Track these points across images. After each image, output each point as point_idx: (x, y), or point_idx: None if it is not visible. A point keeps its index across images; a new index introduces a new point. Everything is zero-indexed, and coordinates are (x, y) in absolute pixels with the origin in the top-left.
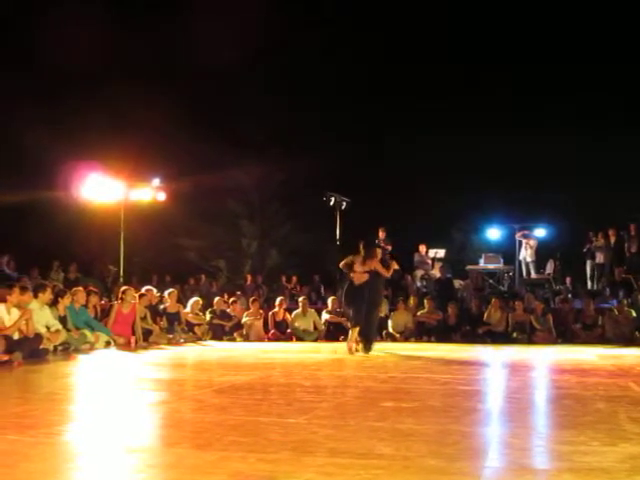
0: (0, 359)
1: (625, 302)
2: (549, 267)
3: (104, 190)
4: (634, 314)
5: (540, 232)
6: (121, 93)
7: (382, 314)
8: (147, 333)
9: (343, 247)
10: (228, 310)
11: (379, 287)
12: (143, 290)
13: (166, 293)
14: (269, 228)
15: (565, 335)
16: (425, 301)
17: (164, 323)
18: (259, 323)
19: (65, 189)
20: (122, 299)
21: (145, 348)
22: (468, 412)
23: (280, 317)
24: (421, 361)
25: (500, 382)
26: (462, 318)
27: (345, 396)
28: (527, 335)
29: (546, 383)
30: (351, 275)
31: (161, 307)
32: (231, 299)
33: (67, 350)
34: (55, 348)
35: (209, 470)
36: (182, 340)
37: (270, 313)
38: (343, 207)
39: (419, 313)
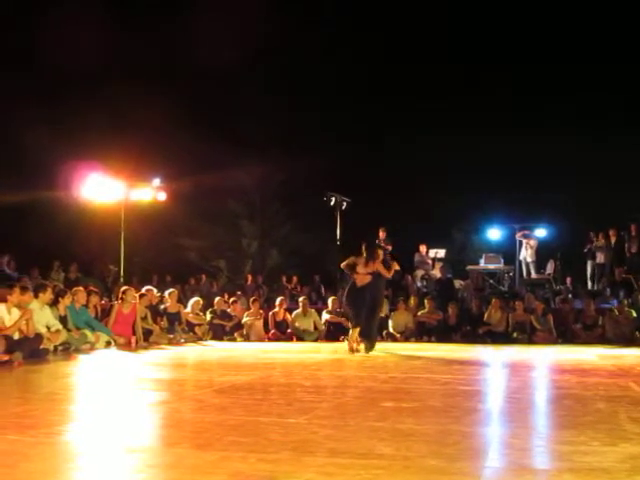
0: (0, 359)
1: (625, 302)
2: (549, 267)
3: (104, 190)
4: (634, 314)
5: (540, 232)
6: (121, 93)
7: (382, 314)
8: (147, 333)
9: (343, 247)
10: (228, 310)
11: (381, 288)
12: (143, 290)
13: (166, 293)
14: (269, 228)
15: (565, 335)
16: (425, 301)
17: (164, 323)
18: (259, 323)
19: (65, 189)
20: (122, 299)
21: (145, 348)
22: (468, 412)
23: (280, 317)
24: (421, 361)
25: (500, 382)
26: (462, 318)
27: (345, 396)
28: (527, 335)
29: (546, 383)
30: (354, 276)
31: (161, 307)
32: (231, 299)
33: (67, 350)
34: (55, 348)
35: (209, 470)
36: (182, 340)
37: (270, 313)
38: (343, 207)
39: (419, 313)
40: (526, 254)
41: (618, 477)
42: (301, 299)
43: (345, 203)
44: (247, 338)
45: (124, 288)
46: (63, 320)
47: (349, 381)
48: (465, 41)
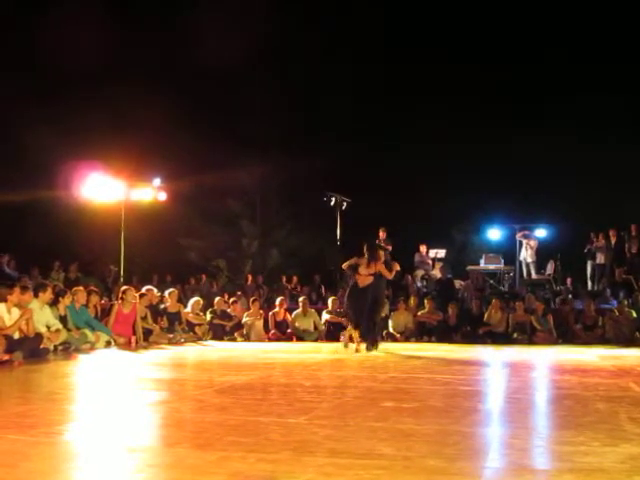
0: (1, 359)
1: (626, 303)
2: (549, 268)
3: (105, 190)
4: (635, 315)
5: (540, 232)
6: (121, 93)
7: (383, 314)
8: (147, 333)
9: (344, 247)
10: (228, 310)
11: (383, 288)
12: (144, 290)
13: (166, 293)
14: (270, 228)
15: (566, 336)
16: (425, 301)
17: (165, 323)
18: (259, 323)
19: (66, 189)
20: (123, 299)
21: (145, 348)
22: (469, 412)
23: (280, 317)
24: (421, 361)
25: (500, 382)
26: (462, 318)
27: (345, 396)
28: (527, 336)
29: (546, 384)
30: (356, 277)
31: (162, 307)
32: (231, 299)
33: (67, 350)
34: (55, 348)
35: (209, 470)
36: (182, 340)
37: (270, 313)
38: (343, 207)
39: (419, 313)
40: (526, 254)
41: (618, 477)
42: (301, 299)
43: (345, 203)
44: (247, 338)
45: (124, 288)
46: (63, 320)
47: (349, 381)
48: (465, 41)
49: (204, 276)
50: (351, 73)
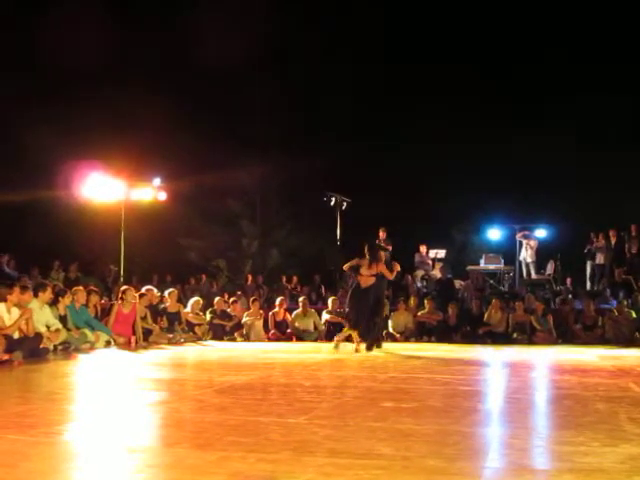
0: (0, 358)
1: (625, 303)
2: (549, 268)
3: (105, 189)
4: (634, 315)
5: (540, 233)
6: (121, 93)
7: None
8: (147, 333)
9: (344, 247)
10: (228, 310)
11: (384, 289)
12: (143, 290)
13: (166, 293)
14: (270, 228)
15: (565, 336)
16: (425, 301)
17: (164, 323)
18: (259, 323)
19: (66, 188)
20: (122, 299)
21: (145, 348)
22: (468, 412)
23: (280, 317)
24: (421, 361)
25: (500, 382)
26: (462, 318)
27: (345, 396)
28: (527, 336)
29: (546, 384)
30: (357, 278)
31: (161, 307)
32: (231, 299)
33: (67, 349)
34: (55, 347)
35: (209, 470)
36: (182, 340)
37: (270, 313)
38: (343, 207)
39: (419, 313)
40: (526, 254)
41: (618, 478)
42: (301, 299)
43: (345, 203)
44: (247, 338)
45: (124, 288)
46: (63, 319)
47: (349, 381)
48: (465, 41)
49: (204, 276)
50: (351, 73)
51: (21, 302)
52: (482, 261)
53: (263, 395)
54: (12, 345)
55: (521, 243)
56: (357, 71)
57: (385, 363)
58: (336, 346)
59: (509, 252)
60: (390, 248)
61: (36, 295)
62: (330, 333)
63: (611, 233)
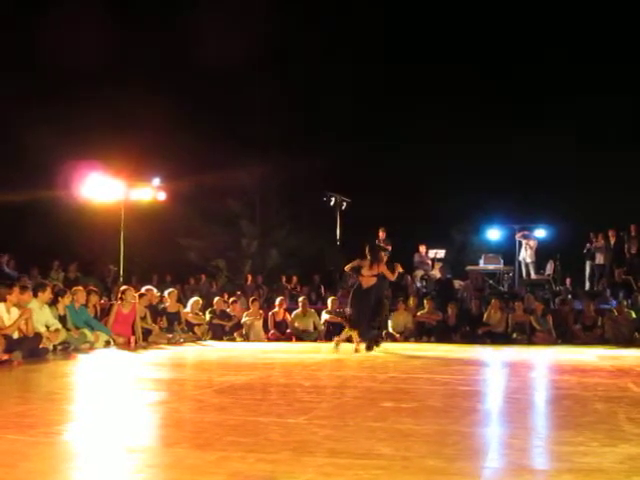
0: (0, 358)
1: (625, 303)
2: (549, 268)
3: (104, 189)
4: (634, 315)
5: (540, 233)
6: (121, 93)
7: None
8: (147, 333)
9: (343, 247)
10: (228, 310)
11: (385, 289)
12: (143, 290)
13: (166, 293)
14: (269, 228)
15: (565, 336)
16: (425, 301)
17: (164, 323)
18: (259, 323)
19: (65, 188)
20: (122, 299)
21: (145, 348)
22: (468, 412)
23: (280, 317)
24: (421, 361)
25: (500, 383)
26: (462, 318)
27: (345, 396)
28: (527, 336)
29: (546, 384)
30: (359, 279)
31: (161, 307)
32: (231, 299)
33: (67, 349)
34: (55, 347)
35: (209, 470)
36: (182, 340)
37: (270, 313)
38: (343, 207)
39: (419, 313)
40: (526, 255)
41: (617, 478)
42: (301, 299)
43: (345, 203)
44: (247, 338)
45: (124, 288)
46: (62, 319)
47: (348, 381)
48: (465, 41)
49: (204, 276)
50: (351, 73)
51: (21, 302)
52: (481, 261)
53: (263, 395)
54: (12, 345)
55: (520, 243)
56: (357, 71)
57: (385, 363)
58: (336, 346)
59: (509, 252)
60: (390, 248)
61: (36, 295)
62: (330, 333)
63: (610, 233)
